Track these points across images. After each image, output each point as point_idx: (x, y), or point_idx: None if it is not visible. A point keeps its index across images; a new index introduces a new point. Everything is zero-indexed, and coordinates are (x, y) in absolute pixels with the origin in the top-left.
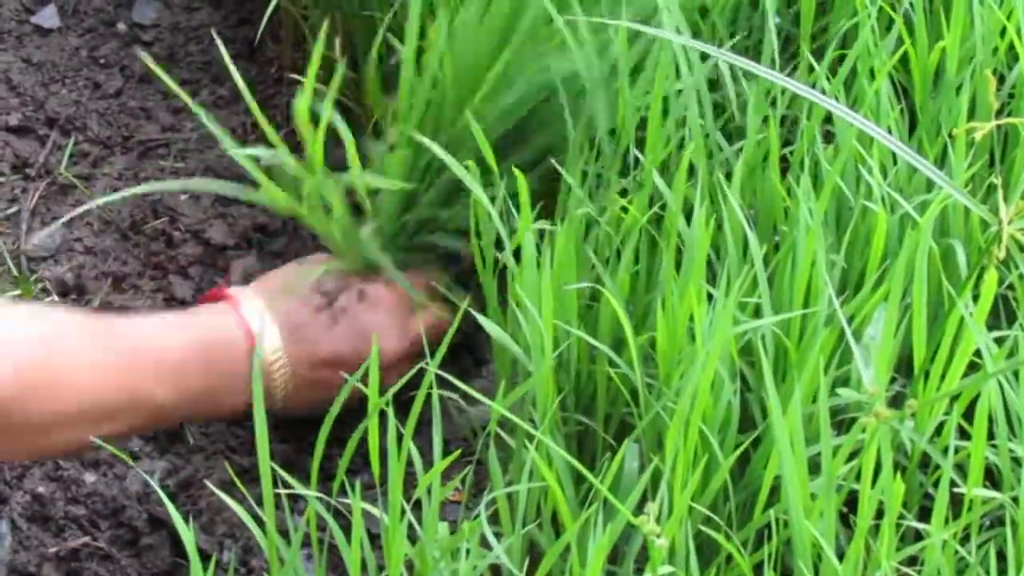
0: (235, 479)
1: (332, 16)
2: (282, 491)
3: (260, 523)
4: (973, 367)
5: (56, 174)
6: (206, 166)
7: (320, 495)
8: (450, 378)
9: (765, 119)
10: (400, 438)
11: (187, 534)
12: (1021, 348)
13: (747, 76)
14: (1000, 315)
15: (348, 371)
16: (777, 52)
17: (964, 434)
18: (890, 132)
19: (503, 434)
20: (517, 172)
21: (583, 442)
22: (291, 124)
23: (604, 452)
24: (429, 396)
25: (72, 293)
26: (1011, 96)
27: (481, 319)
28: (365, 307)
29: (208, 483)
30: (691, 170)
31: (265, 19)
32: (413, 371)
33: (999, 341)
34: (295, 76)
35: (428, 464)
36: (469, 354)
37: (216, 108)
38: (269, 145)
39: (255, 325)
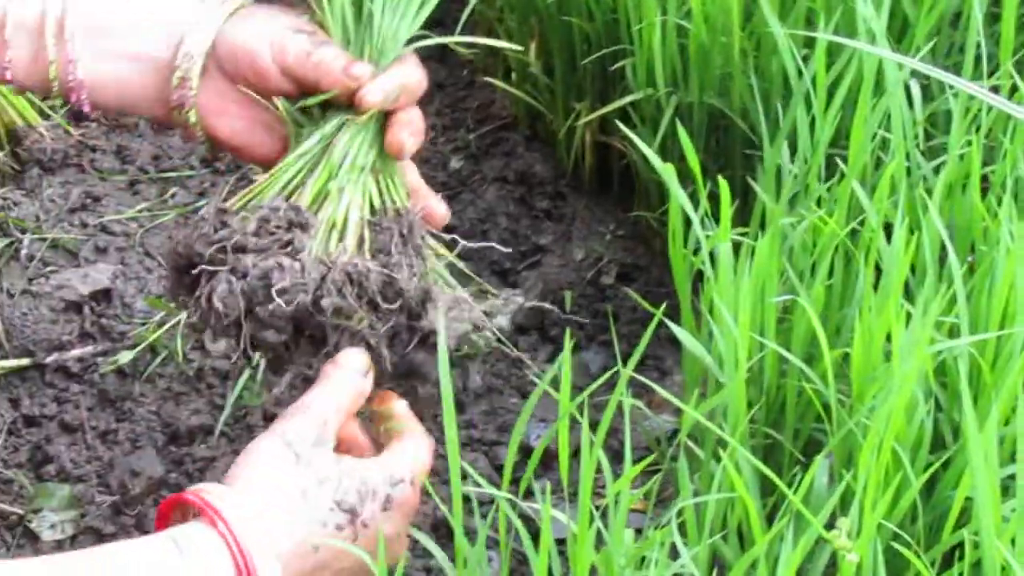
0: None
1: (528, 21)
2: (471, 489)
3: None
4: None
5: (246, 168)
6: None
7: (509, 496)
8: (648, 382)
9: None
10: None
11: None
12: None
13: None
14: None
15: None
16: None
17: None
18: None
19: (691, 444)
20: (721, 180)
21: (769, 457)
22: (483, 126)
23: (792, 467)
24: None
25: None
26: None
27: (675, 328)
28: (387, 516)
29: None
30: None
31: (461, 23)
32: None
33: None
34: (488, 79)
35: (613, 472)
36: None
37: None
38: (458, 150)
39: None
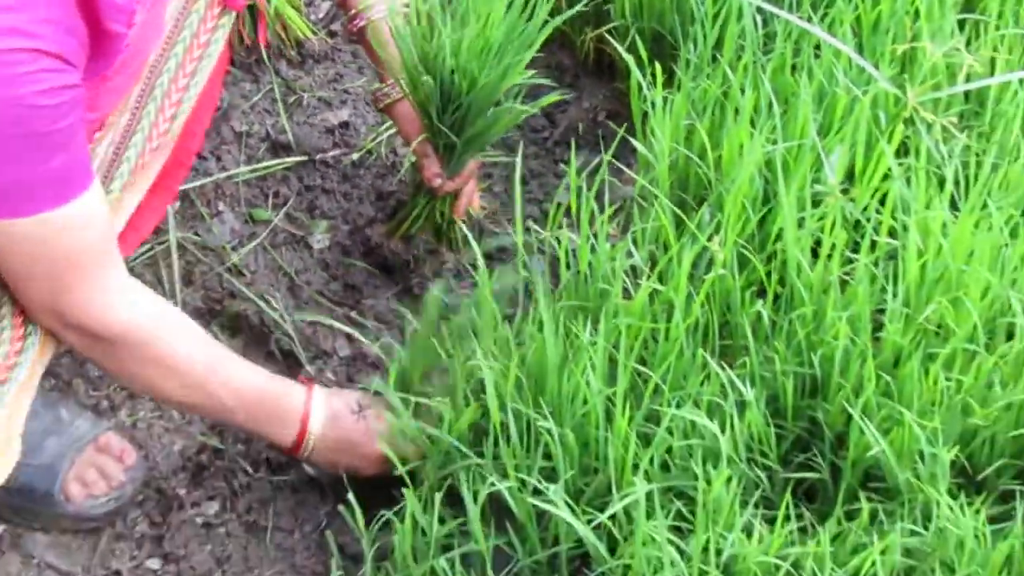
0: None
1: None
2: (531, 225)
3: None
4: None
5: None
6: None
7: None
8: (621, 166)
9: (785, 42)
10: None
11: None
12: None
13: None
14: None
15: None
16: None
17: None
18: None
19: (639, 200)
20: (658, 65)
21: (679, 206)
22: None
23: (690, 212)
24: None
25: None
26: None
27: (633, 141)
28: (373, 415)
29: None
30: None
31: None
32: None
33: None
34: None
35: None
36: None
37: None
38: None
39: (313, 406)
